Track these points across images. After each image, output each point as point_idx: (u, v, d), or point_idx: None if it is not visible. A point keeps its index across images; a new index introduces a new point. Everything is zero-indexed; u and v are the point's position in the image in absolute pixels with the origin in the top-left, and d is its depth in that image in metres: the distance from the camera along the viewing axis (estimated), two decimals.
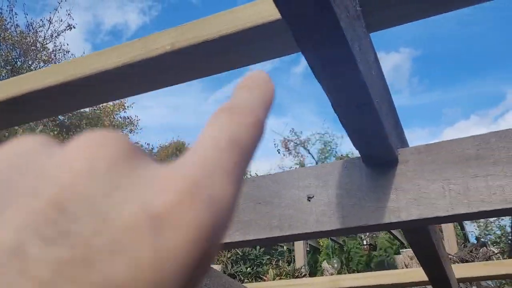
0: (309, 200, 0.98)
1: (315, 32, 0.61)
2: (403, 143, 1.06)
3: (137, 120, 24.36)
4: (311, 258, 9.46)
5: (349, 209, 0.93)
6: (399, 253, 8.03)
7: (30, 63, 16.54)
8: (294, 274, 6.16)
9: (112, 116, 21.79)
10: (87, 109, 18.83)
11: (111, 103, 21.27)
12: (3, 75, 13.75)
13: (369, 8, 0.80)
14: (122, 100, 22.81)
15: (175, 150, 27.45)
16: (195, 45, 0.88)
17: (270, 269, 6.17)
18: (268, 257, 7.42)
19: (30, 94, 1.06)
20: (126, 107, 22.95)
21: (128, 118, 23.90)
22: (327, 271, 7.30)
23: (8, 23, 16.96)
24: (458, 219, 0.86)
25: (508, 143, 0.85)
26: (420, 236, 1.18)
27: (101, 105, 20.43)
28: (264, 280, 5.64)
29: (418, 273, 2.22)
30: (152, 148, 22.74)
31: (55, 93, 1.05)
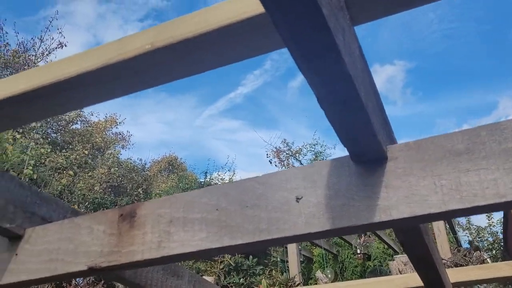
0: (298, 202, 0.95)
1: (296, 20, 0.59)
2: (393, 142, 1.04)
3: (129, 136, 24.23)
4: (304, 268, 9.36)
5: (339, 209, 0.90)
6: (392, 260, 7.99)
7: None
8: (288, 284, 6.06)
9: (104, 133, 21.65)
10: (78, 126, 18.70)
11: (102, 119, 21.15)
12: None
13: (353, 0, 0.78)
14: (114, 116, 22.70)
15: (168, 165, 27.30)
16: (175, 44, 0.86)
17: (263, 279, 6.08)
18: (261, 267, 7.33)
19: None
20: (118, 123, 22.85)
21: (120, 134, 23.77)
22: (321, 280, 7.21)
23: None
24: (451, 216, 0.83)
25: (499, 136, 0.83)
26: (412, 236, 1.15)
27: (93, 121, 20.31)
28: None
29: (412, 279, 2.18)
30: (145, 163, 22.58)
31: (27, 99, 1.01)
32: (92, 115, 20.54)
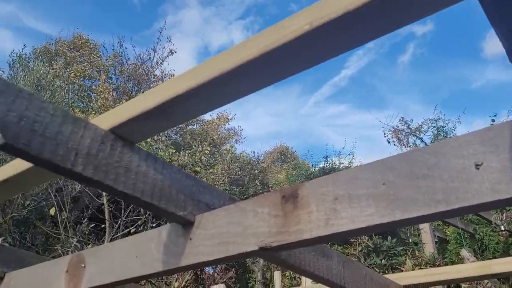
0: (478, 169, 0.89)
1: None
2: None
3: (241, 130, 25.25)
4: (438, 248, 8.84)
5: None
6: None
7: (142, 91, 18.09)
8: (435, 263, 5.76)
9: (217, 130, 22.80)
10: (195, 127, 20.01)
11: (215, 116, 22.34)
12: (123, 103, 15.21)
13: None
14: (224, 113, 23.83)
15: (280, 155, 27.87)
16: (335, 19, 0.85)
17: (407, 260, 5.85)
18: (402, 247, 7.06)
19: (169, 101, 1.12)
20: (230, 119, 23.92)
21: (232, 129, 24.87)
22: (468, 259, 6.68)
23: (122, 58, 18.84)
24: None
25: None
26: None
27: (207, 120, 21.57)
28: (402, 271, 5.37)
29: None
30: (258, 155, 23.34)
31: (192, 96, 1.09)
32: (205, 114, 21.82)
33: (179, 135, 19.33)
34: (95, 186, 1.20)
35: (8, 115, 1.02)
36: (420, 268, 5.53)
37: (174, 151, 12.12)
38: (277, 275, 5.90)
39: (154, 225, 7.65)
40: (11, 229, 7.08)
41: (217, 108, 1.16)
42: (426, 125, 15.85)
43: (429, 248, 6.83)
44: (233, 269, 10.49)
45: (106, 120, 1.24)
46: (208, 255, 1.30)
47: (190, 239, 1.37)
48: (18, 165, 1.48)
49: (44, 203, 7.59)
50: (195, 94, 1.08)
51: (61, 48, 19.25)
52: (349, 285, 1.93)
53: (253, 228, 1.23)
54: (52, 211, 6.73)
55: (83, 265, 1.69)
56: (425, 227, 7.11)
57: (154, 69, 19.81)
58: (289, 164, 25.73)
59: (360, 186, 1.06)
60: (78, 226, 7.67)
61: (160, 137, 11.67)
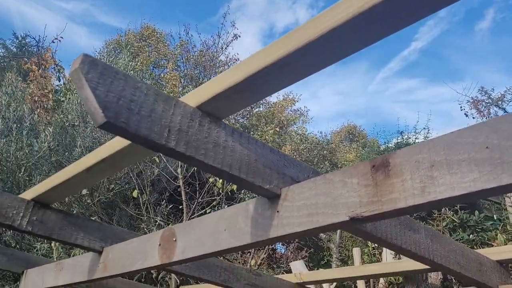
0: None
1: None
2: None
3: (307, 111, 25.01)
4: None
5: None
6: None
7: (209, 77, 18.49)
8: None
9: (284, 112, 22.77)
10: (261, 109, 20.14)
11: (281, 97, 22.28)
12: (190, 90, 15.69)
13: None
14: (290, 94, 23.70)
15: (348, 134, 27.31)
16: None
17: (499, 234, 5.52)
18: (492, 222, 6.68)
19: (253, 75, 1.13)
20: (296, 101, 23.77)
21: (298, 110, 24.71)
22: None
23: (188, 45, 19.37)
24: None
25: None
26: None
27: (272, 102, 21.62)
28: (493, 247, 5.09)
29: None
30: (326, 135, 23.06)
31: (278, 67, 1.09)
32: (271, 96, 21.86)
33: (245, 118, 19.57)
34: (188, 161, 1.25)
35: (108, 96, 1.08)
36: None
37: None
38: (356, 251, 5.85)
39: (226, 206, 7.88)
40: (99, 211, 7.67)
41: (302, 79, 1.15)
42: (509, 94, 14.61)
43: None
44: (305, 248, 10.55)
45: (193, 98, 1.28)
46: (296, 226, 1.32)
47: (278, 211, 1.39)
48: (113, 145, 1.59)
49: (127, 186, 8.12)
50: (282, 65, 1.07)
51: (129, 40, 20.13)
52: (438, 259, 1.86)
53: (343, 199, 1.21)
54: (134, 194, 7.20)
55: (174, 239, 1.79)
56: None
57: (219, 55, 20.11)
58: (358, 143, 25.15)
59: (460, 151, 1.00)
60: (158, 207, 8.12)
61: (228, 120, 11.93)
